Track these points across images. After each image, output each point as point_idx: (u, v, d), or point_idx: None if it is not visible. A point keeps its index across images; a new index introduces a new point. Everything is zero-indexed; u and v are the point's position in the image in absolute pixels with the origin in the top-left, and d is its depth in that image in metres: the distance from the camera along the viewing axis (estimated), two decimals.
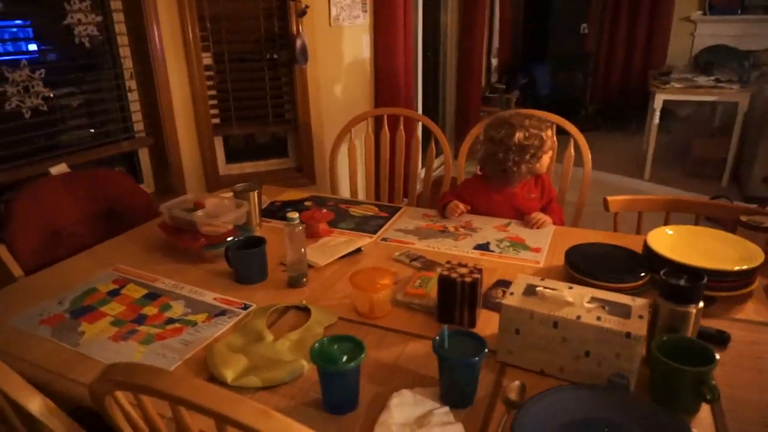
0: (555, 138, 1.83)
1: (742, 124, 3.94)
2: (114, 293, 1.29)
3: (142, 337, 1.12)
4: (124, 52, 2.23)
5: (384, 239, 1.57)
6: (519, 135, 1.65)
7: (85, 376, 0.99)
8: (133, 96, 2.29)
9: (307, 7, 2.44)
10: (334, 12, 2.65)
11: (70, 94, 2.10)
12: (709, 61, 4.29)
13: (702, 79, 4.13)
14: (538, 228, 1.61)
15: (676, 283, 0.95)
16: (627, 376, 0.91)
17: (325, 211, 1.65)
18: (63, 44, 2.07)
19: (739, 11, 5.12)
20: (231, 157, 2.71)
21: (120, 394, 0.71)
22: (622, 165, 4.65)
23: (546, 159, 1.73)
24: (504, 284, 1.28)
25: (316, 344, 0.91)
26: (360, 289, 1.16)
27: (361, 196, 2.43)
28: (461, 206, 1.70)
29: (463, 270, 1.13)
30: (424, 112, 3.91)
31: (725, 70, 4.19)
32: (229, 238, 1.44)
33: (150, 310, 1.22)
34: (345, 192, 2.52)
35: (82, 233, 1.65)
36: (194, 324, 1.17)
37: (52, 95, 1.98)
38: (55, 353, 1.08)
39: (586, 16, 5.77)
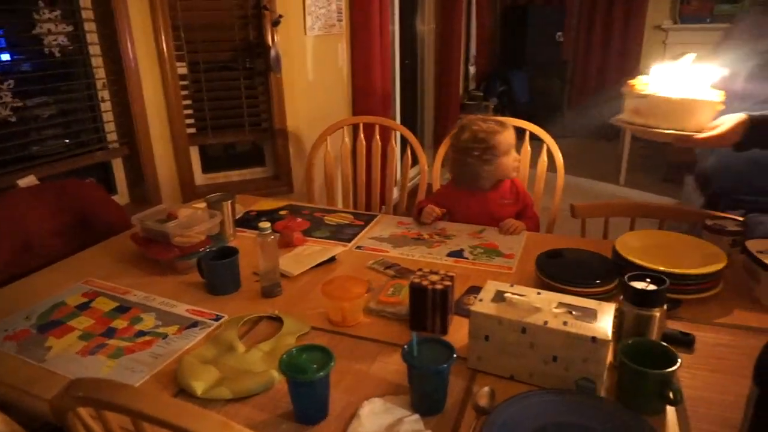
0: (513, 140, 1.79)
1: None
2: (83, 307, 1.27)
3: (111, 351, 1.10)
4: (97, 61, 2.21)
5: (359, 247, 1.57)
6: (467, 135, 1.71)
7: (50, 392, 0.95)
8: (106, 106, 2.27)
9: (281, 16, 2.44)
10: (309, 21, 2.66)
11: (41, 104, 2.07)
12: None
13: None
14: (511, 234, 1.63)
15: (640, 287, 0.97)
16: (594, 380, 0.92)
17: (299, 220, 1.65)
18: (32, 54, 2.04)
19: (708, 20, 5.25)
20: (208, 166, 2.69)
21: (82, 410, 0.70)
22: (598, 170, 4.73)
23: (507, 160, 1.75)
24: (476, 291, 1.29)
25: (285, 355, 0.91)
26: (332, 297, 1.16)
27: (338, 204, 2.43)
28: (437, 210, 1.71)
29: (435, 278, 1.14)
30: (402, 121, 3.94)
31: None
32: (202, 249, 1.43)
33: (120, 323, 1.21)
34: (322, 200, 2.52)
35: (53, 246, 1.62)
36: (165, 336, 1.15)
37: (22, 104, 1.95)
38: (19, 370, 1.06)
39: (561, 24, 5.87)
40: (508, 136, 1.75)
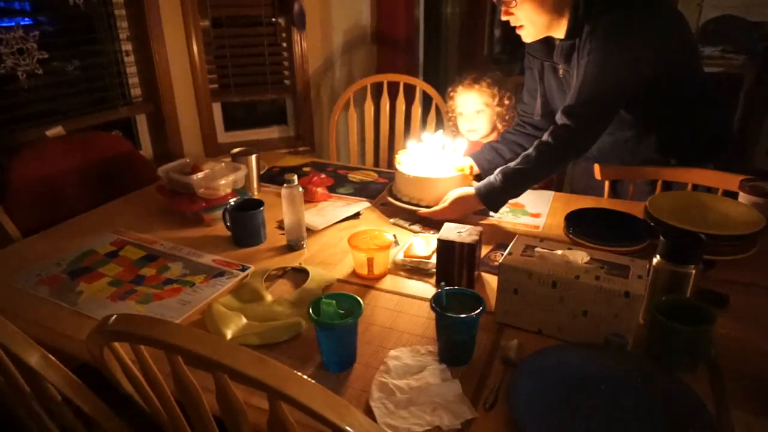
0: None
1: (746, 97, 3.88)
2: (112, 255, 1.29)
3: (139, 297, 1.12)
4: (120, 15, 2.18)
5: (383, 204, 1.56)
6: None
7: (83, 335, 0.98)
8: (129, 61, 2.26)
9: None
10: None
11: (66, 58, 2.07)
12: (716, 31, 4.20)
13: (709, 50, 4.05)
14: None
15: (677, 243, 0.95)
16: (625, 336, 0.91)
17: (323, 176, 1.63)
18: (58, 7, 2.02)
19: None
20: (230, 125, 2.68)
21: (117, 346, 0.71)
22: None
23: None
24: (503, 248, 1.27)
25: (314, 301, 0.91)
26: (359, 249, 1.16)
27: (361, 163, 2.41)
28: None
29: (463, 232, 1.12)
30: (425, 79, 3.86)
31: (732, 41, 4.12)
32: (227, 202, 1.43)
33: (148, 271, 1.22)
34: (345, 160, 2.50)
35: (80, 196, 1.64)
36: (192, 285, 1.17)
37: (48, 56, 1.95)
38: (53, 312, 1.08)
39: None
40: (494, 90, 1.79)
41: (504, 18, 1.39)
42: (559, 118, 1.35)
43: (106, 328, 0.67)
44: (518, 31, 1.40)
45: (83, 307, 1.09)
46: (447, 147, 1.53)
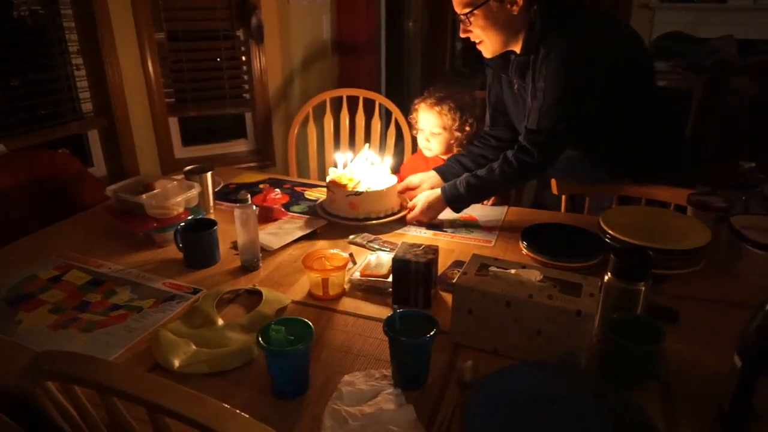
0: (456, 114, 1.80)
1: (696, 110, 4.03)
2: (55, 280, 1.23)
3: (83, 325, 1.07)
4: (70, 27, 2.12)
5: (339, 221, 1.54)
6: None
7: (19, 367, 0.93)
8: (81, 75, 2.19)
9: None
10: None
11: (11, 72, 1.99)
12: (666, 46, 4.36)
13: (660, 65, 4.20)
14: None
15: (625, 261, 0.96)
16: (578, 353, 0.91)
17: (278, 192, 1.60)
18: (2, 19, 1.95)
19: None
20: (188, 140, 2.62)
21: (50, 385, 0.67)
22: None
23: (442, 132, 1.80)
24: (460, 265, 1.27)
25: (263, 328, 0.88)
26: (313, 270, 1.13)
27: (321, 178, 2.39)
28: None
29: (418, 251, 1.12)
30: (387, 94, 3.88)
31: (682, 56, 4.28)
32: (179, 222, 1.39)
33: (93, 296, 1.17)
34: (305, 175, 2.48)
35: (23, 218, 1.56)
36: (140, 310, 1.12)
37: None
38: None
39: None
40: (450, 112, 1.78)
41: (463, 35, 1.42)
42: (522, 139, 1.42)
43: (37, 366, 0.63)
44: (478, 47, 1.44)
45: (21, 338, 1.03)
46: (375, 162, 1.57)
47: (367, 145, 1.67)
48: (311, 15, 2.79)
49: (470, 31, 1.40)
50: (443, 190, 1.48)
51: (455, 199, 1.47)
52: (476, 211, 1.58)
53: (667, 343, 0.88)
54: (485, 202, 1.71)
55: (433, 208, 1.49)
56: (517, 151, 1.41)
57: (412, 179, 1.64)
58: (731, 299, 1.14)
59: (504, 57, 1.49)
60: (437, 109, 1.78)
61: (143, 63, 2.30)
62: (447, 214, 1.55)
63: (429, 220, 1.50)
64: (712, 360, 0.95)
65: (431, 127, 1.80)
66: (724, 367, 0.81)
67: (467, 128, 1.80)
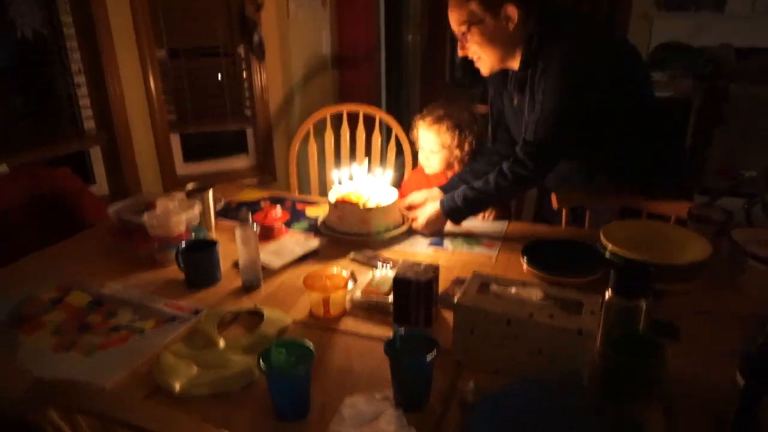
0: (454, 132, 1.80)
1: (695, 119, 4.04)
2: (56, 301, 1.23)
3: (84, 348, 1.07)
4: (72, 46, 2.14)
5: (341, 239, 1.54)
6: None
7: (19, 391, 0.93)
8: (82, 93, 2.21)
9: (263, 0, 2.38)
10: (292, 7, 2.61)
11: (14, 90, 2.01)
12: (664, 56, 4.39)
13: (658, 75, 4.22)
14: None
15: (626, 279, 0.96)
16: (580, 371, 0.91)
17: (279, 209, 1.61)
18: (4, 38, 1.97)
19: (693, 8, 5.23)
20: (190, 155, 2.64)
21: (51, 413, 0.67)
22: None
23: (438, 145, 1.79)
24: (461, 282, 1.27)
25: (264, 350, 0.88)
26: (314, 289, 1.13)
27: (322, 193, 2.39)
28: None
29: (419, 269, 1.12)
30: (387, 107, 3.90)
31: (680, 66, 4.30)
32: (181, 241, 1.39)
33: (94, 318, 1.17)
34: (306, 191, 2.49)
35: (25, 237, 1.57)
36: (142, 331, 1.12)
37: None
38: None
39: None
40: (448, 130, 1.78)
41: (461, 52, 1.44)
42: (519, 151, 1.43)
43: (35, 395, 0.63)
44: (476, 64, 1.45)
45: (22, 361, 1.03)
46: (376, 177, 1.60)
47: (367, 159, 1.70)
48: (311, 30, 2.81)
49: (468, 48, 1.42)
50: (442, 203, 1.51)
51: (453, 212, 1.50)
52: (477, 226, 1.59)
53: (669, 358, 0.88)
54: (486, 215, 1.71)
55: (433, 222, 1.52)
56: (513, 164, 1.43)
57: (416, 197, 1.64)
58: (732, 313, 1.14)
59: (504, 72, 1.50)
60: (436, 128, 1.79)
61: (145, 80, 2.32)
62: (449, 227, 1.56)
63: (431, 233, 1.53)
64: (714, 375, 0.94)
65: (431, 145, 1.81)
66: (726, 382, 0.81)
67: (467, 146, 1.80)
